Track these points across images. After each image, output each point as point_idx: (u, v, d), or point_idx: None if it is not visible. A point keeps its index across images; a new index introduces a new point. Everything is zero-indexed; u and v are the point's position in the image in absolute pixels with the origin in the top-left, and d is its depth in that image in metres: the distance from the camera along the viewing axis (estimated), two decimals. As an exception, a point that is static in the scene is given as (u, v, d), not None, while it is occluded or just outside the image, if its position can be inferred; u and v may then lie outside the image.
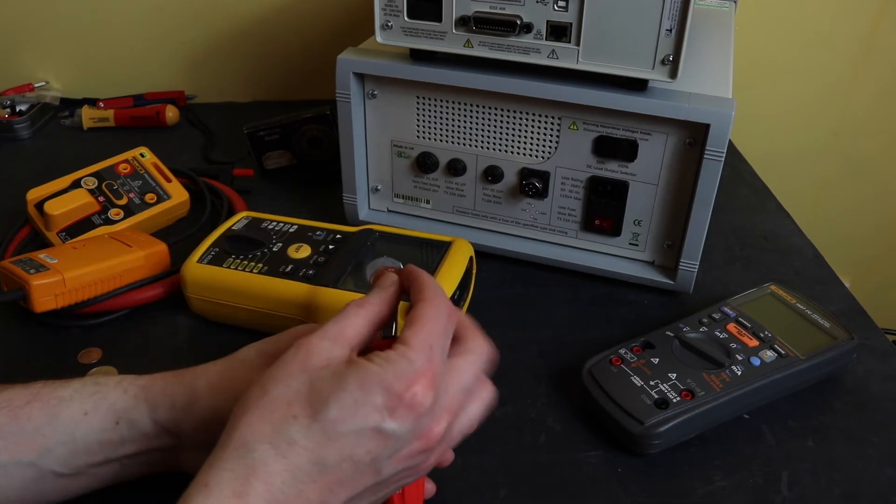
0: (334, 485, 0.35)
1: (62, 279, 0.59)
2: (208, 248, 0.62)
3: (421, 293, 0.40)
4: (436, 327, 0.38)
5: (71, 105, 1.04)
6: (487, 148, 0.67)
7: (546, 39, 0.59)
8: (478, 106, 0.65)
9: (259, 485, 0.33)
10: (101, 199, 0.74)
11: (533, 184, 0.66)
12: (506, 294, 0.67)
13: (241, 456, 0.34)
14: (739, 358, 0.54)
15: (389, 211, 0.75)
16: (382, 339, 0.41)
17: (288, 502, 0.34)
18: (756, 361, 0.53)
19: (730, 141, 0.65)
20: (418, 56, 0.64)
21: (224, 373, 0.44)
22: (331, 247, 0.62)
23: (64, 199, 0.71)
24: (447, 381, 0.38)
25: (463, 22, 0.60)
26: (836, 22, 1.07)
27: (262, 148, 0.84)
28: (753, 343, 0.55)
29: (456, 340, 0.40)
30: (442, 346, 0.38)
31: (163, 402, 0.43)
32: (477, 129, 0.67)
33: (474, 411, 0.40)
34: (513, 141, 0.66)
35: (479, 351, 0.40)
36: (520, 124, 0.65)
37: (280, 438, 0.34)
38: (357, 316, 0.39)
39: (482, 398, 0.41)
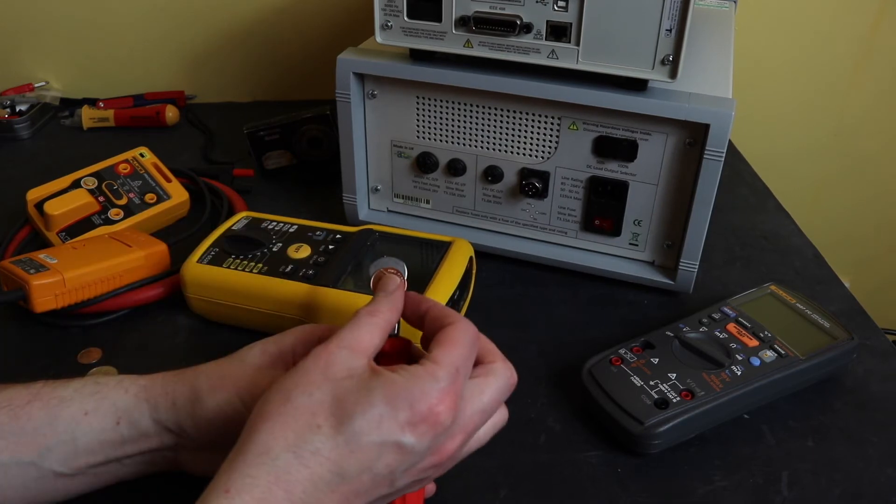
0: (351, 495, 0.35)
1: (62, 279, 0.59)
2: (208, 248, 0.62)
3: (447, 318, 0.41)
4: (463, 351, 0.39)
5: (71, 105, 1.04)
6: (487, 148, 0.67)
7: (546, 39, 0.59)
8: (478, 106, 0.65)
9: (280, 492, 0.33)
10: (101, 199, 0.74)
11: (533, 184, 0.66)
12: (505, 294, 0.67)
13: (263, 463, 0.34)
14: (739, 358, 0.54)
15: (389, 211, 0.75)
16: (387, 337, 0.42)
17: None
18: (756, 361, 0.53)
19: (730, 141, 0.65)
20: (418, 56, 0.64)
21: (226, 372, 0.44)
22: (331, 247, 0.62)
23: (64, 199, 0.71)
24: (466, 401, 0.39)
25: (463, 22, 0.60)
26: (836, 22, 1.07)
27: (262, 148, 0.84)
28: (753, 343, 0.55)
29: (479, 361, 0.41)
30: (467, 369, 0.39)
31: (164, 401, 0.43)
32: (477, 129, 0.67)
33: (485, 432, 0.42)
34: (513, 141, 0.66)
35: (502, 376, 0.41)
36: (520, 124, 0.65)
37: (303, 447, 0.34)
38: (371, 325, 0.40)
39: (494, 421, 0.42)
